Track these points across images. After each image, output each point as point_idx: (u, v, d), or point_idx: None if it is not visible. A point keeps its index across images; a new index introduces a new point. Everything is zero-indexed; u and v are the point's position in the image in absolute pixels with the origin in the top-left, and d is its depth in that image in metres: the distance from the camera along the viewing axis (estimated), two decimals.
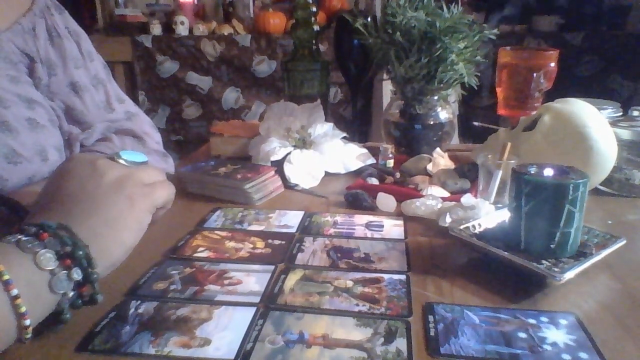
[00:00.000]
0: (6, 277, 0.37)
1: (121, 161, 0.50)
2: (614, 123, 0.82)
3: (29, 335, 0.39)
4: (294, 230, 0.69)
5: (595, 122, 0.76)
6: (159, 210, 0.51)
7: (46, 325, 0.42)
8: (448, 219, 0.67)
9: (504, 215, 0.62)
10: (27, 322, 0.38)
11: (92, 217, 0.45)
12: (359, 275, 0.57)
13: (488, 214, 0.66)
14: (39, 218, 0.44)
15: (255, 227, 0.70)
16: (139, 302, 0.51)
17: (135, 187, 0.47)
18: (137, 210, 0.47)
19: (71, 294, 0.42)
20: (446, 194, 0.78)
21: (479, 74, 0.94)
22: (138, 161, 0.51)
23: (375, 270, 0.58)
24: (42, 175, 0.62)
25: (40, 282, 0.39)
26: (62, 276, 0.40)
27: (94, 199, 0.46)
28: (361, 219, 0.73)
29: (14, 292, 0.38)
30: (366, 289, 0.54)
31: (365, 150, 0.97)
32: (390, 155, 0.93)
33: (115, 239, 0.45)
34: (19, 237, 0.41)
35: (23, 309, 0.38)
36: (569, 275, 0.52)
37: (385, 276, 0.56)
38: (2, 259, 0.38)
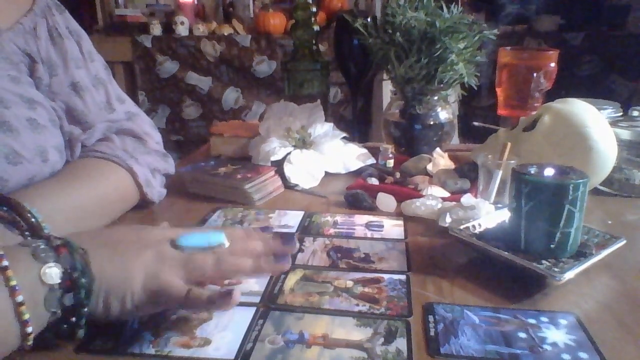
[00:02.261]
0: (13, 282, 0.37)
1: (179, 247, 0.47)
2: (614, 123, 0.82)
3: (30, 343, 0.39)
4: (294, 230, 0.69)
5: (595, 122, 0.76)
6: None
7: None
8: (448, 219, 0.67)
9: (504, 215, 0.62)
10: (30, 329, 0.38)
11: (113, 261, 0.43)
12: (359, 275, 0.57)
13: (488, 214, 0.66)
14: (72, 236, 0.43)
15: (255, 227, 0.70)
16: None
17: (170, 259, 0.45)
18: (155, 283, 0.44)
19: (59, 315, 0.40)
20: (446, 194, 0.78)
21: (478, 74, 0.94)
22: (200, 245, 0.48)
23: (375, 270, 0.58)
24: (42, 176, 0.62)
25: (40, 294, 0.39)
26: (57, 294, 0.39)
27: (125, 247, 0.44)
28: (361, 219, 0.73)
29: (19, 298, 0.37)
30: (366, 289, 0.54)
31: (365, 150, 0.97)
32: (390, 155, 0.93)
33: (119, 294, 0.43)
34: (39, 243, 0.40)
35: (26, 316, 0.38)
36: (569, 275, 0.52)
37: (385, 276, 0.56)
38: (12, 264, 0.38)
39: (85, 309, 0.41)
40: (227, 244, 0.49)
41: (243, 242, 0.51)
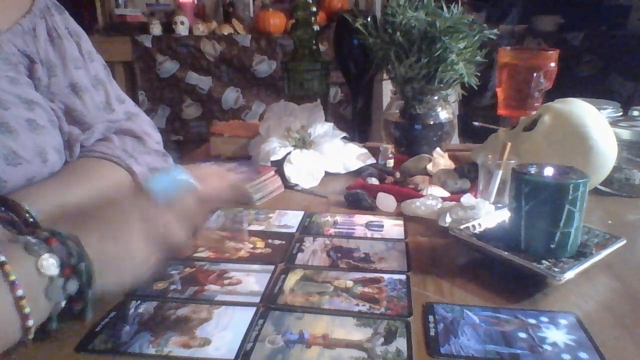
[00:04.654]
0: (13, 277, 0.37)
1: (156, 192, 0.48)
2: (614, 123, 0.82)
3: (31, 336, 0.39)
4: (294, 230, 0.69)
5: (595, 122, 0.76)
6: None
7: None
8: (448, 219, 0.67)
9: (504, 215, 0.62)
10: (30, 322, 0.38)
11: (104, 239, 0.44)
12: (359, 275, 0.57)
13: (488, 214, 0.66)
14: (56, 226, 0.43)
15: (255, 227, 0.70)
16: (139, 302, 0.51)
17: (158, 235, 0.46)
18: (149, 254, 0.45)
19: (63, 303, 0.41)
20: (446, 194, 0.78)
21: (479, 74, 0.94)
22: (169, 183, 0.49)
23: (375, 270, 0.58)
24: (42, 177, 0.62)
25: (38, 286, 0.39)
26: (58, 284, 0.40)
27: (113, 223, 0.45)
28: (361, 219, 0.73)
29: (20, 292, 0.37)
30: (366, 289, 0.54)
31: (365, 150, 0.97)
32: (390, 155, 0.93)
33: (118, 268, 0.44)
34: (28, 238, 0.40)
35: (27, 310, 0.38)
36: (569, 275, 0.52)
37: (385, 276, 0.56)
38: (8, 259, 0.38)
39: (90, 292, 0.41)
40: (195, 183, 0.50)
41: (212, 178, 0.52)
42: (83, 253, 0.41)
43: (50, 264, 0.39)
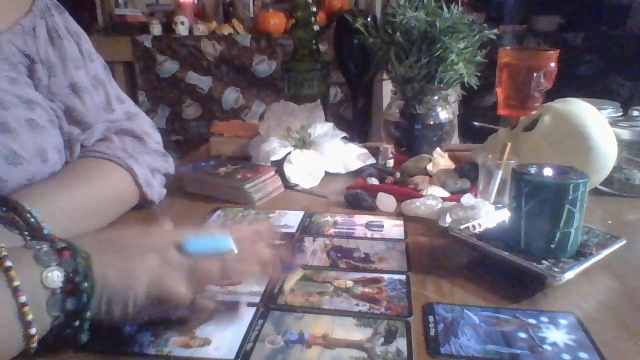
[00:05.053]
0: (17, 283, 0.37)
1: (186, 253, 0.46)
2: (614, 123, 0.82)
3: (34, 345, 0.38)
4: (294, 230, 0.69)
5: (595, 122, 0.76)
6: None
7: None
8: (448, 219, 0.67)
9: (504, 215, 0.62)
10: (33, 331, 0.38)
11: (114, 263, 0.43)
12: (359, 275, 0.57)
13: (488, 214, 0.66)
14: (77, 239, 0.43)
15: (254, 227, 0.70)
16: None
17: (177, 267, 0.44)
18: (158, 290, 0.43)
19: (62, 318, 0.40)
20: (446, 194, 0.78)
21: (479, 74, 0.94)
22: (207, 251, 0.47)
23: (375, 270, 0.58)
24: (42, 177, 0.62)
25: (42, 297, 0.39)
26: (59, 298, 0.39)
27: (128, 250, 0.44)
28: (361, 219, 0.73)
29: (23, 299, 0.37)
30: (366, 289, 0.54)
31: (365, 150, 0.97)
32: (390, 155, 0.93)
33: (119, 297, 0.42)
34: (43, 246, 0.40)
35: (30, 317, 0.37)
36: (569, 275, 0.52)
37: (385, 276, 0.56)
38: (15, 265, 0.38)
39: (88, 314, 0.40)
40: (235, 250, 0.47)
41: (252, 247, 0.49)
42: (89, 273, 0.40)
43: (55, 276, 0.39)
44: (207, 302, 0.44)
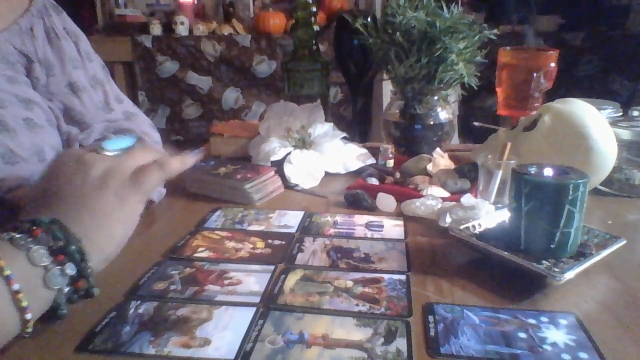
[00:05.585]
0: (7, 272, 0.38)
1: (106, 153, 0.50)
2: (614, 123, 0.82)
3: (29, 329, 0.40)
4: (294, 230, 0.69)
5: (595, 122, 0.76)
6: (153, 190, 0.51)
7: (45, 322, 0.43)
8: (448, 219, 0.67)
9: (504, 215, 0.62)
10: (29, 316, 0.39)
11: (81, 213, 0.45)
12: (359, 275, 0.57)
13: (488, 214, 0.66)
14: (32, 215, 0.44)
15: (255, 227, 0.70)
16: (139, 302, 0.51)
17: (122, 182, 0.47)
18: (127, 204, 0.47)
19: (67, 289, 0.42)
20: (446, 194, 0.78)
21: (479, 74, 0.94)
22: (124, 147, 0.51)
23: (375, 270, 0.58)
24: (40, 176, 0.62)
25: (35, 278, 0.40)
26: (56, 272, 0.41)
27: (82, 195, 0.46)
28: (361, 219, 0.73)
29: (15, 287, 0.38)
30: (366, 289, 0.54)
31: (365, 150, 0.97)
32: (390, 155, 0.93)
33: (107, 233, 0.46)
34: (13, 234, 0.41)
35: (24, 303, 0.38)
36: (569, 275, 0.52)
37: (385, 276, 0.56)
38: (3, 255, 0.39)
39: (90, 269, 0.42)
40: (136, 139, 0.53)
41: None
42: (69, 235, 0.42)
43: (41, 254, 0.40)
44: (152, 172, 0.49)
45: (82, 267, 0.42)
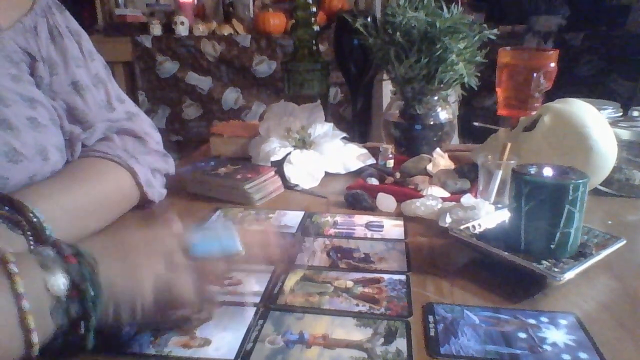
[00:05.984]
0: (20, 289, 0.37)
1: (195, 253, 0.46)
2: (614, 123, 0.82)
3: (35, 352, 0.38)
4: (294, 230, 0.69)
5: (595, 122, 0.76)
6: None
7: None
8: (448, 219, 0.67)
9: (504, 215, 0.62)
10: (35, 338, 0.37)
11: (123, 273, 0.43)
12: (359, 275, 0.57)
13: (488, 214, 0.66)
14: (82, 244, 0.42)
15: (255, 227, 0.70)
16: None
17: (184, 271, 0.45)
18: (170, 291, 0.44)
19: (65, 328, 0.40)
20: (446, 194, 0.78)
21: (479, 74, 0.94)
22: (213, 253, 0.47)
23: (375, 271, 0.58)
24: (43, 175, 0.62)
25: (45, 304, 0.38)
26: (63, 305, 0.39)
27: (139, 261, 0.44)
28: (361, 219, 0.73)
29: (26, 305, 0.37)
30: (366, 289, 0.54)
31: (365, 150, 0.97)
32: (390, 156, 0.93)
33: (131, 304, 0.42)
34: (49, 252, 0.40)
35: (32, 325, 0.37)
36: (569, 275, 0.52)
37: (385, 276, 0.56)
38: (20, 271, 0.38)
39: (93, 320, 0.40)
40: (242, 251, 0.48)
41: (259, 249, 0.50)
42: (95, 279, 0.40)
43: (59, 283, 0.39)
44: (212, 305, 0.44)
45: (88, 315, 0.40)
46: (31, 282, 0.38)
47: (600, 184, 0.81)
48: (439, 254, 0.63)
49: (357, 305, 0.51)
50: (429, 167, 0.87)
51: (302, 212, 0.75)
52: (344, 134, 0.97)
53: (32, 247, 0.47)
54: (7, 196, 0.53)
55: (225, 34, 2.70)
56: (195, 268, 0.45)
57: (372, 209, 0.77)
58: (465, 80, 0.92)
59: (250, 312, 0.49)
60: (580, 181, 0.54)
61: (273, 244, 0.52)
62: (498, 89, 1.03)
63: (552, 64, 0.97)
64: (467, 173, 0.83)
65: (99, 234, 0.65)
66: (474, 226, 0.63)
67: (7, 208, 0.52)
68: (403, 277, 0.56)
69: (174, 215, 0.51)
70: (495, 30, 0.91)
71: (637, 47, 2.52)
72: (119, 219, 0.70)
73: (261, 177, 0.81)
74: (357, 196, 0.78)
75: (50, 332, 0.39)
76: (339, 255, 0.62)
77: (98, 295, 0.40)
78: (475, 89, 0.94)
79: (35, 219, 0.52)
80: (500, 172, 0.71)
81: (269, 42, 2.65)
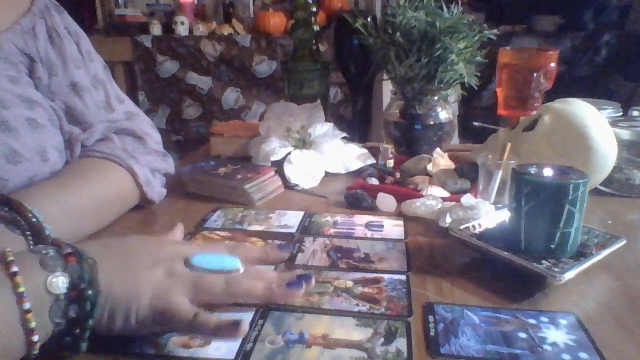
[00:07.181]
0: (22, 289, 0.37)
1: (194, 268, 0.47)
2: (614, 123, 0.82)
3: (36, 352, 0.38)
4: (294, 230, 0.69)
5: (595, 122, 0.76)
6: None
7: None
8: (448, 219, 0.67)
9: (504, 215, 0.62)
10: (36, 337, 0.37)
11: (123, 276, 0.43)
12: (359, 275, 0.57)
13: (488, 214, 0.66)
14: (83, 245, 0.43)
15: (255, 227, 0.70)
16: None
17: (183, 282, 0.45)
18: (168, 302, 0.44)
19: (62, 327, 0.40)
20: (446, 194, 0.78)
21: (479, 74, 0.94)
22: (213, 268, 0.48)
23: (375, 270, 0.58)
24: (42, 176, 0.62)
25: (46, 303, 0.38)
26: (62, 305, 0.39)
27: (139, 266, 0.44)
28: (361, 219, 0.73)
29: (27, 305, 0.37)
30: (366, 289, 0.54)
31: (365, 150, 0.97)
32: (390, 155, 0.93)
33: (127, 308, 0.42)
34: (49, 251, 0.40)
35: (33, 324, 0.37)
36: (569, 275, 0.52)
37: (385, 276, 0.56)
38: (20, 270, 0.38)
39: (90, 322, 0.40)
40: (242, 269, 0.49)
41: (258, 268, 0.52)
42: (94, 280, 0.40)
43: (60, 282, 0.39)
44: (207, 317, 0.44)
45: (86, 316, 0.40)
46: (32, 281, 0.38)
47: (600, 184, 0.81)
48: (439, 254, 0.63)
49: (357, 305, 0.51)
50: (429, 167, 0.87)
51: (302, 212, 0.75)
52: (344, 134, 0.97)
53: (31, 247, 0.47)
54: (6, 197, 0.53)
55: (225, 33, 2.71)
56: (193, 279, 0.46)
57: (372, 209, 0.77)
58: (465, 80, 0.92)
59: (250, 312, 0.49)
60: (580, 181, 0.54)
61: (275, 273, 0.53)
62: (498, 89, 1.03)
63: (552, 64, 0.97)
64: (467, 173, 0.83)
65: (100, 235, 0.65)
66: (474, 226, 0.63)
67: (6, 209, 0.51)
68: (403, 277, 0.56)
69: (177, 221, 0.51)
70: (495, 30, 0.91)
71: (637, 47, 2.52)
72: (119, 219, 0.70)
73: (261, 177, 0.81)
74: (357, 196, 0.78)
75: (49, 331, 0.39)
76: (339, 255, 0.62)
77: (97, 297, 0.40)
78: (476, 88, 0.94)
79: (34, 220, 0.51)
80: (500, 172, 0.71)
81: (269, 42, 2.65)
